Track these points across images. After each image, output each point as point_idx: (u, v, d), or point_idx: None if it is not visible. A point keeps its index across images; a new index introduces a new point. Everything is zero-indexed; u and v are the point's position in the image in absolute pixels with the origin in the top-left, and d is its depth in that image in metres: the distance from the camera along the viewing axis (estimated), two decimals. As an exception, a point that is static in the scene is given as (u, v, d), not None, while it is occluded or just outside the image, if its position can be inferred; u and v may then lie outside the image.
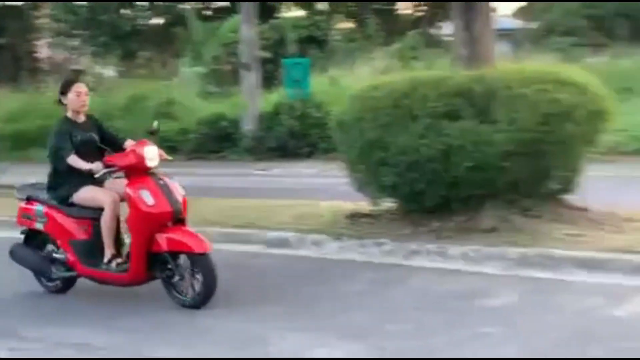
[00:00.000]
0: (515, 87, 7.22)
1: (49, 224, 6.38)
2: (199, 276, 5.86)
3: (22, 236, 6.69)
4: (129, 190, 5.92)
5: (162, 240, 5.87)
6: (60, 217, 6.30)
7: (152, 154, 5.94)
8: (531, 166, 7.25)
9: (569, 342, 4.86)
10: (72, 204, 6.24)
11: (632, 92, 15.22)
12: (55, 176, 6.32)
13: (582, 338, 4.89)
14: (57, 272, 6.45)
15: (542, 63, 8.33)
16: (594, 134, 7.54)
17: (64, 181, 6.25)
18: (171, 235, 5.89)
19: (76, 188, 6.19)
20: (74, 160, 6.09)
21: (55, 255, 6.45)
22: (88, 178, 6.06)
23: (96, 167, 5.94)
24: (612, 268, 6.29)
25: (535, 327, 5.18)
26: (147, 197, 5.84)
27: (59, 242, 6.38)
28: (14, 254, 6.65)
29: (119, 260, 6.11)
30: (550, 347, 4.80)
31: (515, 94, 7.18)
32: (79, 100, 6.32)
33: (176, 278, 5.93)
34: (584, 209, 7.66)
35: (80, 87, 6.36)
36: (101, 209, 6.05)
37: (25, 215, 6.56)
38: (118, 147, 6.36)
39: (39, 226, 6.45)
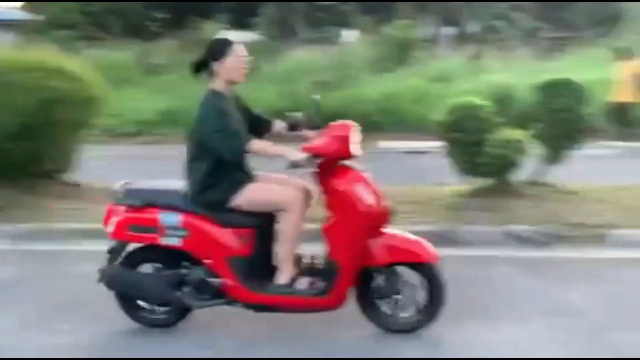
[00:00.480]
0: (11, 74, 7.06)
1: (191, 238, 4.24)
2: (422, 290, 4.29)
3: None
4: (341, 186, 4.14)
5: (379, 248, 4.19)
6: (210, 228, 4.25)
7: (357, 140, 4.22)
8: (33, 148, 7.16)
9: (68, 305, 4.88)
10: (228, 209, 4.25)
11: (128, 82, 15.71)
12: (209, 172, 4.22)
13: (82, 299, 4.92)
14: (198, 302, 4.33)
15: (43, 53, 8.24)
16: (88, 118, 7.68)
17: (220, 179, 4.23)
18: (389, 242, 4.23)
19: (237, 187, 4.23)
20: (263, 147, 4.13)
21: (189, 277, 4.30)
22: (246, 174, 4.32)
23: (302, 156, 4.05)
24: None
25: (37, 294, 5.10)
26: (365, 194, 4.14)
27: (208, 261, 4.27)
28: (116, 281, 4.38)
29: (310, 279, 4.28)
30: (48, 311, 4.77)
31: (10, 80, 7.02)
32: (241, 68, 4.26)
33: (395, 296, 4.30)
34: (79, 185, 7.78)
35: (242, 50, 4.28)
36: (266, 214, 4.24)
37: (138, 228, 4.30)
38: (267, 131, 4.55)
39: (170, 242, 4.26)
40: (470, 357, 4.08)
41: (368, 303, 4.35)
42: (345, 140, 4.14)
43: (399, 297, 4.32)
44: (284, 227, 4.19)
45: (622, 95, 12.54)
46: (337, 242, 4.16)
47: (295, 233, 4.21)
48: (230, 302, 4.31)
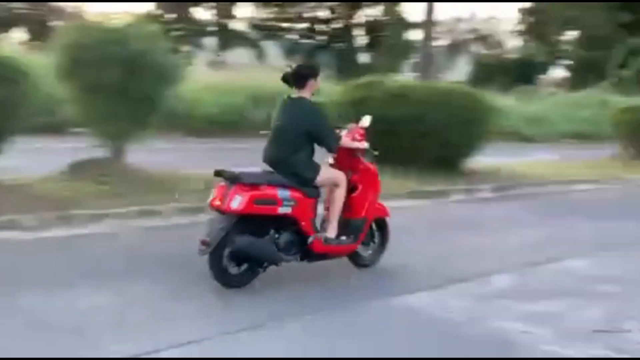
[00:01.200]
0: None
1: (297, 207, 5.55)
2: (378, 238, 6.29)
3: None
4: (370, 165, 6.12)
5: (375, 208, 6.18)
6: (305, 199, 5.61)
7: None
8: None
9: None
10: (311, 185, 5.66)
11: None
12: (309, 158, 5.69)
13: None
14: (288, 257, 5.62)
15: None
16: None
17: (312, 163, 5.71)
18: (377, 204, 6.18)
19: (319, 169, 5.73)
20: (346, 140, 5.97)
21: (279, 240, 5.54)
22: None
23: (367, 145, 6.02)
24: None
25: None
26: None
27: (303, 223, 5.60)
28: (248, 247, 5.32)
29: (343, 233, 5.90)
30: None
31: None
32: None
33: (374, 240, 6.29)
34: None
35: None
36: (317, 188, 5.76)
37: (262, 201, 5.36)
38: None
39: (284, 210, 5.47)
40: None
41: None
42: (366, 135, 6.11)
43: (376, 241, 6.33)
44: (337, 197, 5.80)
45: None
46: (364, 204, 6.02)
47: (342, 201, 5.82)
48: (301, 257, 5.70)
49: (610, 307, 5.47)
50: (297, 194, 5.54)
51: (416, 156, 11.51)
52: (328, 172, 5.82)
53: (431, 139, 11.51)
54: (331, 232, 5.80)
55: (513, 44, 50.22)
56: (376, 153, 6.20)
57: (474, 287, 5.89)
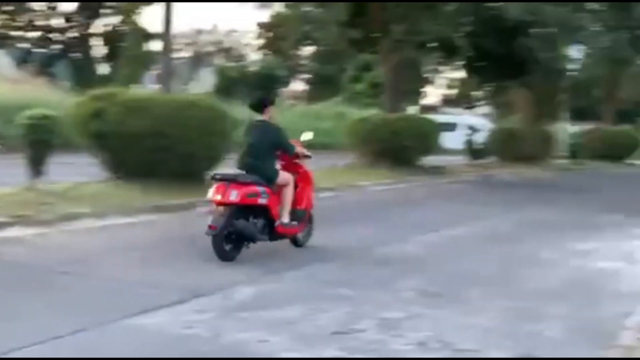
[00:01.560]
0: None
1: (270, 199, 7.48)
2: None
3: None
4: (308, 168, 8.31)
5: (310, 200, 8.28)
6: (273, 193, 7.55)
7: None
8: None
9: None
10: (274, 183, 7.60)
11: None
12: (274, 163, 7.80)
13: None
14: (262, 237, 7.49)
15: None
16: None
17: (274, 167, 7.76)
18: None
19: (278, 173, 7.74)
20: (299, 148, 8.06)
21: (258, 224, 7.46)
22: None
23: (309, 154, 8.19)
24: None
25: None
26: None
27: (273, 211, 7.54)
28: (244, 228, 7.24)
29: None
30: None
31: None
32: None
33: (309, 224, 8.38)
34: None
35: None
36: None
37: (250, 195, 7.29)
38: None
39: (262, 201, 7.41)
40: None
41: None
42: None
43: (310, 225, 8.37)
44: (288, 192, 7.80)
45: None
46: (306, 198, 8.12)
47: (292, 196, 7.84)
48: (269, 238, 7.65)
49: (347, 309, 5.72)
50: (269, 190, 7.51)
51: (157, 170, 11.29)
52: (283, 175, 7.81)
53: (173, 152, 11.37)
54: (286, 218, 7.71)
55: (255, 57, 51.65)
56: (311, 157, 8.19)
57: (215, 300, 5.85)
